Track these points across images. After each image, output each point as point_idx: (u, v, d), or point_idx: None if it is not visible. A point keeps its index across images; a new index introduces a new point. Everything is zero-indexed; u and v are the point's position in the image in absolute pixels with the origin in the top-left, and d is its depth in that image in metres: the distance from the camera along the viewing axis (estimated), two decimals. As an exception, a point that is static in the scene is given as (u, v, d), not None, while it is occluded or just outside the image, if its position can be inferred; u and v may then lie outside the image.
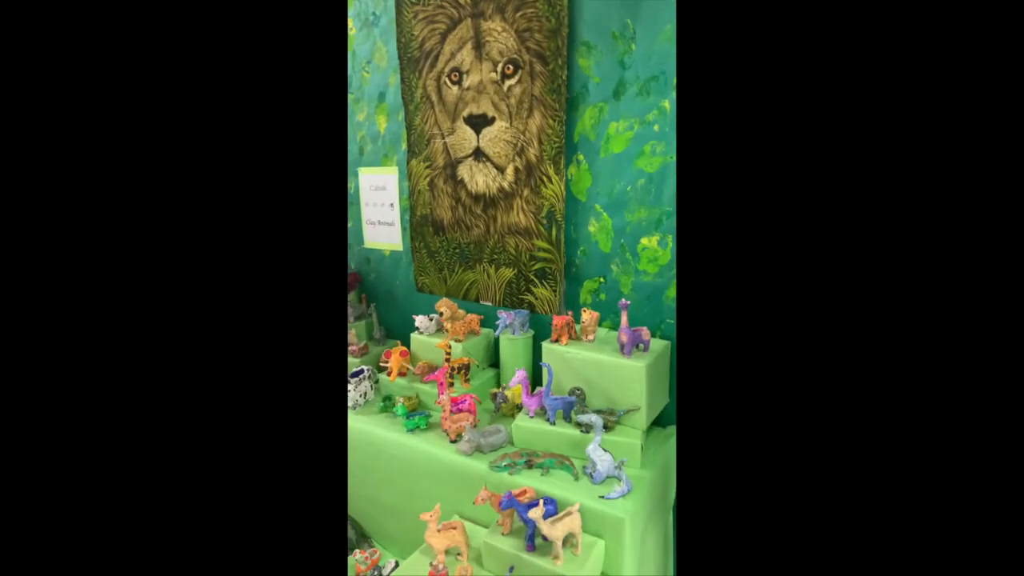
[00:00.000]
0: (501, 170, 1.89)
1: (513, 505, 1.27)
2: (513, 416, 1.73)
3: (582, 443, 1.49)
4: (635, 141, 1.59)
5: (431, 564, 1.35)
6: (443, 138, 2.01)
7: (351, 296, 2.36)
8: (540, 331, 1.89)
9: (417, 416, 1.72)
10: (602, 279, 1.76)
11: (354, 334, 2.18)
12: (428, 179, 2.09)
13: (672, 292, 1.62)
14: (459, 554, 1.36)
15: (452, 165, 2.01)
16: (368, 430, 1.77)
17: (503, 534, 1.33)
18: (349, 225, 2.41)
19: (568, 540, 1.25)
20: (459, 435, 1.62)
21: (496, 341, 2.00)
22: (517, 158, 1.84)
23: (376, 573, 1.61)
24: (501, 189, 1.90)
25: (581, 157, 1.71)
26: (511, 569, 1.22)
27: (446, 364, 1.74)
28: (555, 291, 1.85)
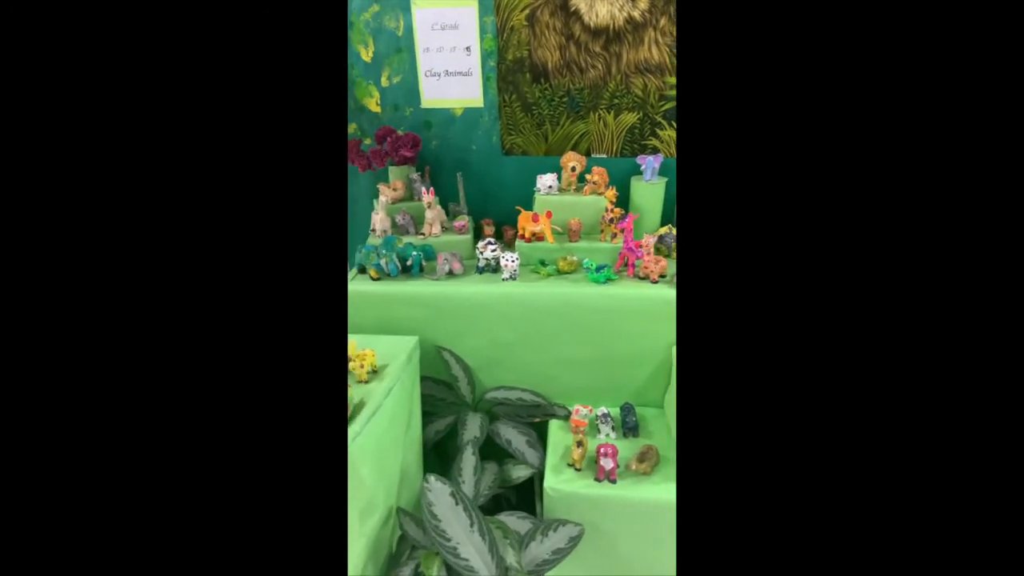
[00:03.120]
0: (632, -3, 1.71)
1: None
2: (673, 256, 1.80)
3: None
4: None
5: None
6: (550, -44, 1.70)
7: (409, 169, 1.97)
8: (665, 176, 1.91)
9: (606, 268, 1.66)
10: (740, 112, 1.83)
11: (439, 211, 1.87)
12: (527, 12, 1.78)
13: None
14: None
15: (563, -8, 1.74)
16: (553, 292, 1.65)
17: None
18: (395, 80, 1.92)
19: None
20: (662, 275, 1.64)
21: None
22: (654, -19, 1.69)
23: (603, 418, 1.62)
24: (630, 20, 1.75)
25: (734, -21, 1.66)
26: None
27: (626, 214, 1.68)
28: (688, 131, 1.86)
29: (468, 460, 1.42)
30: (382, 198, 1.84)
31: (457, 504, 1.19)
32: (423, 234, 1.86)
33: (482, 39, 1.84)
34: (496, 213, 2.06)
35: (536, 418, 1.73)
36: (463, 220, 1.88)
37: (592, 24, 1.77)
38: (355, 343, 1.42)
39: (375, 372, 1.45)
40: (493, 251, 1.69)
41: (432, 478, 1.24)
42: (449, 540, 1.14)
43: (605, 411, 1.66)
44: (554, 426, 1.69)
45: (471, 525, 1.17)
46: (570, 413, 1.71)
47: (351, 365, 1.41)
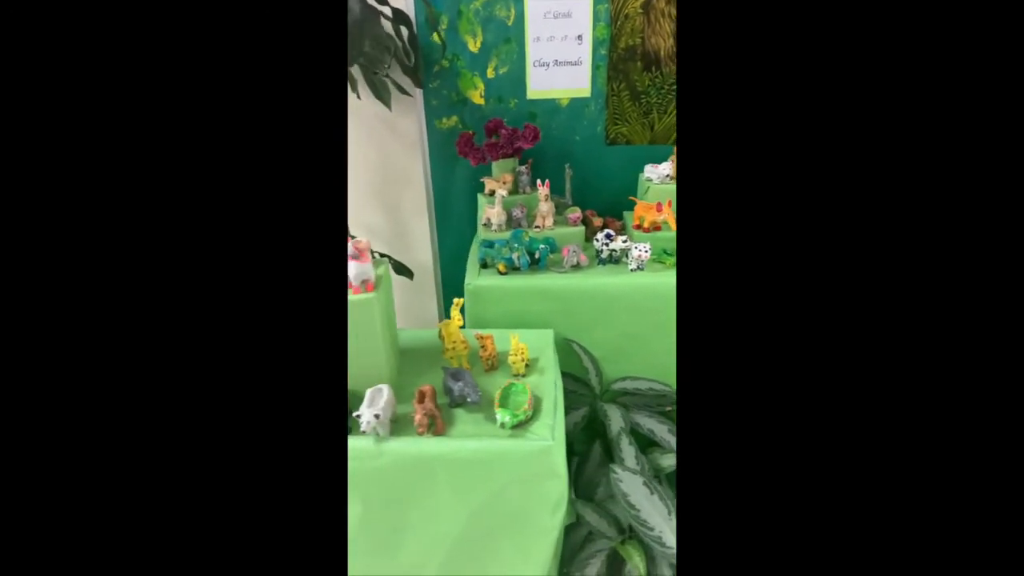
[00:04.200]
0: (753, -17, 1.71)
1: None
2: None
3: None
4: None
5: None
6: (671, -57, 1.68)
7: (514, 162, 1.95)
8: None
9: (737, 256, 1.67)
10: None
11: (551, 206, 1.86)
12: (643, 0, 1.76)
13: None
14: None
15: (682, -21, 1.72)
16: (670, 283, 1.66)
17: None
18: (502, 71, 1.90)
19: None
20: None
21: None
22: (775, -33, 1.68)
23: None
24: (748, 7, 1.74)
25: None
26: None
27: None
28: (798, 117, 1.87)
29: (628, 450, 1.42)
30: (499, 192, 1.82)
31: (652, 493, 1.20)
32: (538, 227, 1.84)
33: (595, 27, 1.82)
34: (595, 204, 2.05)
35: (667, 407, 1.75)
36: (576, 212, 1.87)
37: (709, 11, 1.76)
38: (516, 337, 1.41)
39: (528, 366, 1.45)
40: (625, 241, 1.69)
41: (619, 468, 1.25)
42: (652, 529, 1.15)
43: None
44: (688, 414, 1.71)
45: (669, 513, 1.18)
46: (698, 400, 1.72)
47: (511, 359, 1.40)
